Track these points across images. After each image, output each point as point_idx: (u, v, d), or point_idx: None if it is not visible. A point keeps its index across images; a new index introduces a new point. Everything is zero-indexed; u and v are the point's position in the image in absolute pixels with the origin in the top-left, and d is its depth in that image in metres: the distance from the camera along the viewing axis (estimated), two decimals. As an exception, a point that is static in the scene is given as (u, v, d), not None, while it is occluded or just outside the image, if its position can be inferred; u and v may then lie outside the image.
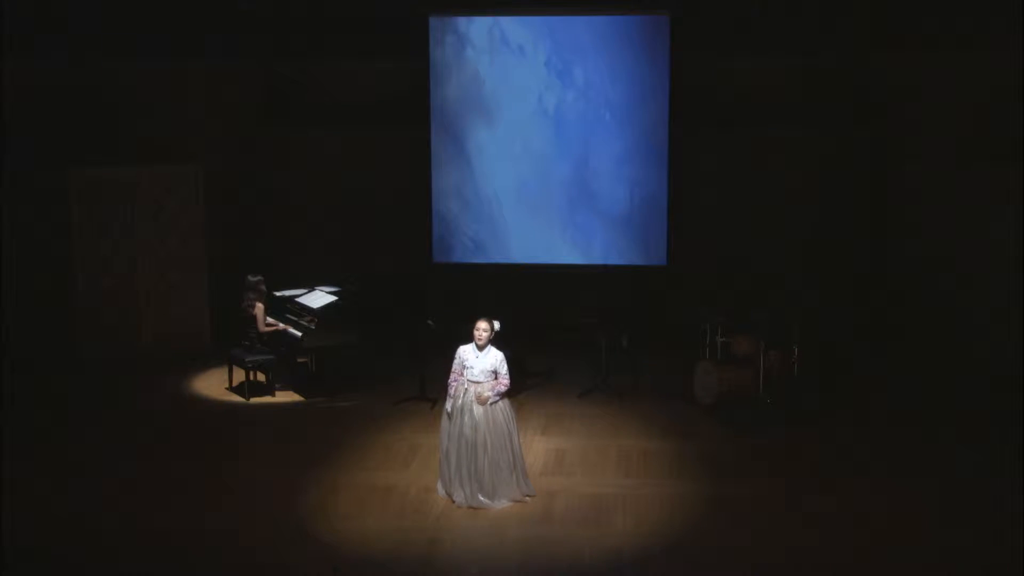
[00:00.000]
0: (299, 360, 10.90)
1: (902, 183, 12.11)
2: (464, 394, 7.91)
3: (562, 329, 12.22)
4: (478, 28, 12.47)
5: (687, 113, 12.30)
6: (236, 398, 10.54)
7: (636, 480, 8.45)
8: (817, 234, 12.52)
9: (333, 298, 10.78)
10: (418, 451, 9.02)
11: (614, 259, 12.61)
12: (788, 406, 9.98)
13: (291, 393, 10.68)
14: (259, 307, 10.48)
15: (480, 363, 7.90)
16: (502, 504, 7.88)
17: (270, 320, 10.68)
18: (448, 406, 7.99)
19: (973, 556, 7.15)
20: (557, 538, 7.41)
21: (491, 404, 7.89)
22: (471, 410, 7.88)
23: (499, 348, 8.01)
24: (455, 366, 8.01)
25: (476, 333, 7.91)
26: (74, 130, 11.95)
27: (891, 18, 11.74)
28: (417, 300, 11.35)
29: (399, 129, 12.90)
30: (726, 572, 6.98)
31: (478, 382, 7.89)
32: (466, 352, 7.97)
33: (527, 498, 8.01)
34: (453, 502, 7.90)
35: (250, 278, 10.53)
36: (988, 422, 9.63)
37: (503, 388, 7.95)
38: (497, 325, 7.98)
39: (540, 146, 12.56)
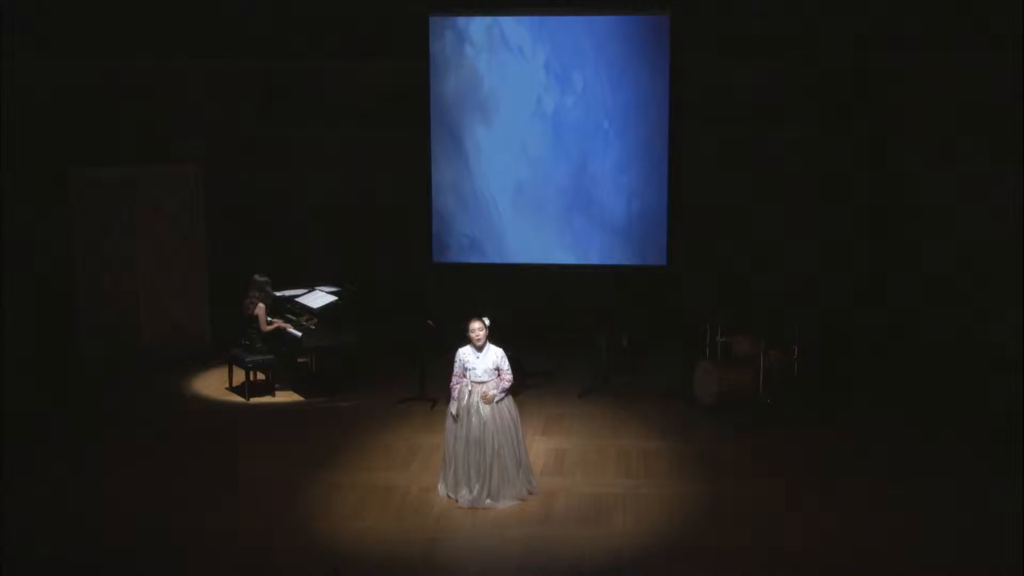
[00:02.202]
0: (299, 360, 10.90)
1: (902, 183, 12.12)
2: (468, 396, 7.91)
3: (562, 329, 12.21)
4: (477, 26, 12.45)
5: (687, 113, 12.30)
6: (236, 398, 10.54)
7: (636, 480, 8.45)
8: (817, 234, 12.52)
9: (333, 298, 10.79)
10: (418, 451, 9.02)
11: (614, 259, 12.58)
12: (788, 406, 9.98)
13: (291, 393, 10.69)
14: (260, 307, 10.48)
15: (482, 363, 7.90)
16: (507, 503, 7.88)
17: (270, 320, 10.67)
18: (452, 408, 7.97)
19: (973, 556, 7.15)
20: (557, 538, 7.41)
21: (497, 401, 7.90)
22: (478, 411, 7.87)
23: (498, 346, 8.01)
24: (456, 369, 8.00)
25: (472, 335, 7.90)
26: (74, 130, 11.95)
27: (891, 18, 11.74)
28: (417, 300, 11.35)
29: (399, 129, 12.90)
30: (726, 572, 6.98)
31: (482, 382, 7.89)
32: (466, 354, 7.96)
33: (531, 495, 8.01)
34: (457, 502, 7.89)
35: (258, 278, 10.54)
36: (988, 422, 9.63)
37: (507, 384, 7.96)
38: (487, 320, 7.98)
39: (538, 149, 12.53)
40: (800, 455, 8.99)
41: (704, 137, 12.50)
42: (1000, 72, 10.69)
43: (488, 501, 7.84)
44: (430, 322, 10.48)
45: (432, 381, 10.28)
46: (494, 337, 8.02)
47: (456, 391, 7.96)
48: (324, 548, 7.27)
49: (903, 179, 12.10)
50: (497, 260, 12.72)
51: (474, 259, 12.74)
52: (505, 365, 7.95)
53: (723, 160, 12.56)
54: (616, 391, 10.58)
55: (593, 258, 12.59)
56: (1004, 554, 7.10)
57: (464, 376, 7.94)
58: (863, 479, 8.44)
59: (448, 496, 8.00)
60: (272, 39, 12.72)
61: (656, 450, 9.09)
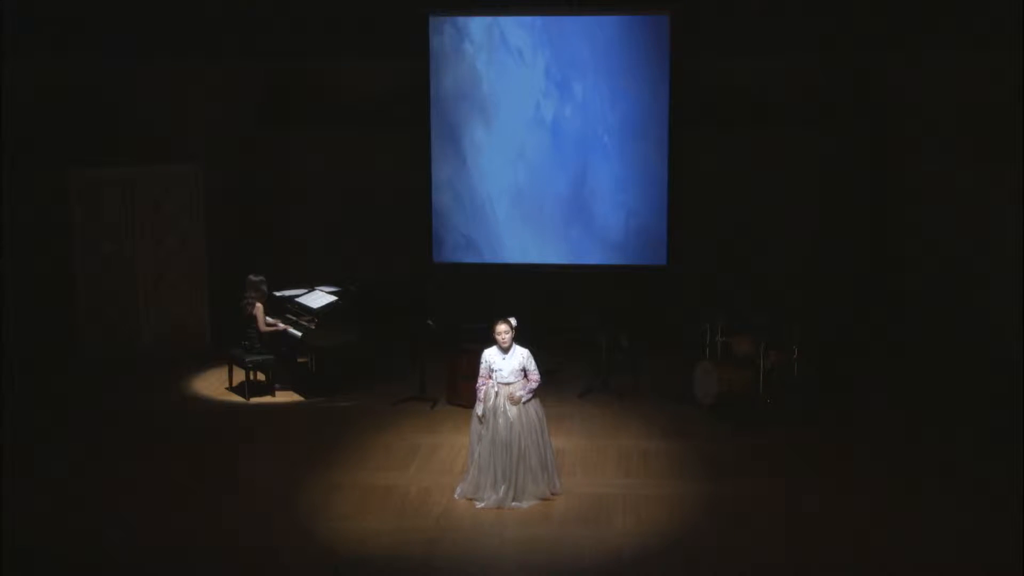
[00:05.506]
0: (299, 360, 10.90)
1: (902, 183, 12.11)
2: (495, 396, 7.90)
3: (562, 329, 12.21)
4: (477, 24, 12.42)
5: (687, 114, 12.28)
6: (236, 398, 10.54)
7: (636, 480, 8.45)
8: (817, 234, 12.52)
9: (333, 298, 10.79)
10: (418, 451, 9.02)
11: (613, 259, 12.56)
12: (788, 406, 9.98)
13: (291, 393, 10.69)
14: (259, 307, 10.49)
15: (508, 364, 7.90)
16: (529, 504, 7.87)
17: (270, 320, 10.68)
18: (479, 409, 7.96)
19: (973, 556, 7.15)
20: (557, 538, 7.41)
21: (524, 402, 7.90)
22: (505, 412, 7.87)
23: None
24: (482, 370, 7.99)
25: (499, 336, 7.90)
26: (74, 130, 11.94)
27: (891, 18, 11.73)
28: (417, 300, 11.35)
29: (399, 129, 12.89)
30: (726, 572, 6.98)
31: (509, 383, 7.89)
32: (491, 356, 7.96)
33: (554, 495, 8.01)
34: (476, 505, 7.87)
35: (251, 277, 10.54)
36: (988, 422, 9.63)
37: (535, 385, 7.97)
38: (514, 321, 7.99)
39: (536, 155, 12.50)
40: (800, 455, 8.99)
41: (704, 137, 12.49)
42: (1000, 72, 10.68)
43: (514, 503, 7.84)
44: (430, 322, 10.47)
45: (432, 381, 10.29)
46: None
47: (482, 392, 7.96)
48: (324, 548, 7.27)
49: (903, 179, 12.09)
50: (492, 258, 12.69)
51: (469, 259, 12.73)
52: (532, 365, 7.96)
53: (723, 160, 12.55)
54: (616, 391, 10.58)
55: (593, 259, 12.58)
56: (1004, 554, 7.10)
57: (490, 377, 7.94)
58: (863, 479, 8.44)
59: (466, 499, 7.95)
60: (272, 39, 12.71)
61: (656, 450, 9.09)
